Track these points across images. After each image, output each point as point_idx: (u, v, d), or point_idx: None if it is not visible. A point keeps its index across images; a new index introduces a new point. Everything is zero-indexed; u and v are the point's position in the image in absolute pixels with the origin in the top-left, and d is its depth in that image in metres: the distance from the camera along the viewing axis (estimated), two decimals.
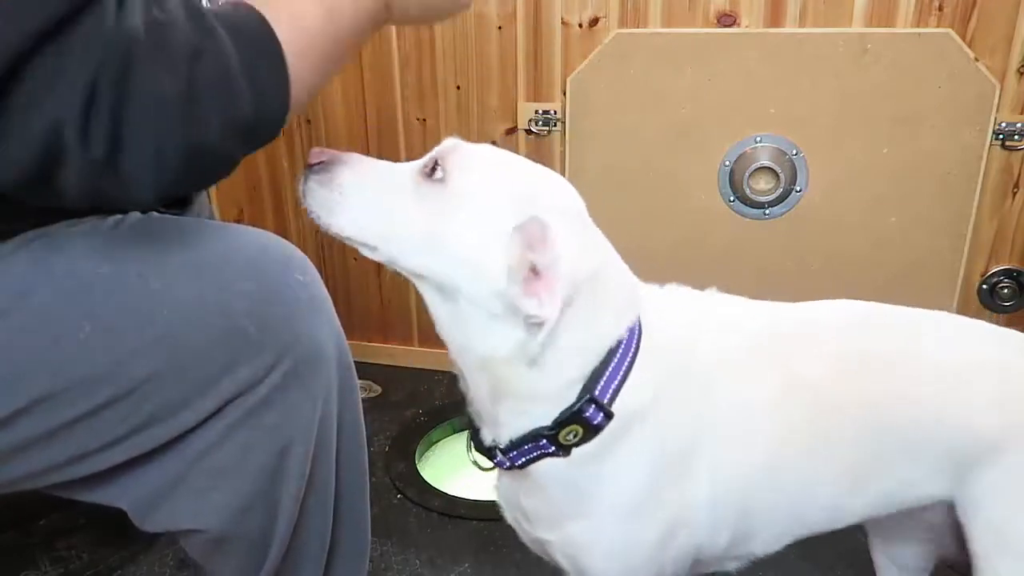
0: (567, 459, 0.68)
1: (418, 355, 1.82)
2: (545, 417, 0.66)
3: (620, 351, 0.67)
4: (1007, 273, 1.44)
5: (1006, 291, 1.44)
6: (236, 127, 0.56)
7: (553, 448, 0.67)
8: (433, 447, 1.58)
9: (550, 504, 0.72)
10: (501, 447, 0.69)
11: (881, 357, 0.75)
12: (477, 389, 0.70)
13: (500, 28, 1.50)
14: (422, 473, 1.44)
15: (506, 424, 0.68)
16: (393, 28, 1.55)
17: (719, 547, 0.75)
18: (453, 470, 1.52)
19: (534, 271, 0.60)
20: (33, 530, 1.24)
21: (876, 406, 0.72)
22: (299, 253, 0.73)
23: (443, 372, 1.80)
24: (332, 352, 0.72)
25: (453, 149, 0.67)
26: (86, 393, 0.63)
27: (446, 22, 0.75)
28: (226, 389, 0.66)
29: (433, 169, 0.65)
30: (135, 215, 0.70)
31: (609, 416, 0.66)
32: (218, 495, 0.70)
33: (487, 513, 1.31)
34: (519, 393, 0.67)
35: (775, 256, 1.49)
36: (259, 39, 0.58)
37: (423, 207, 0.64)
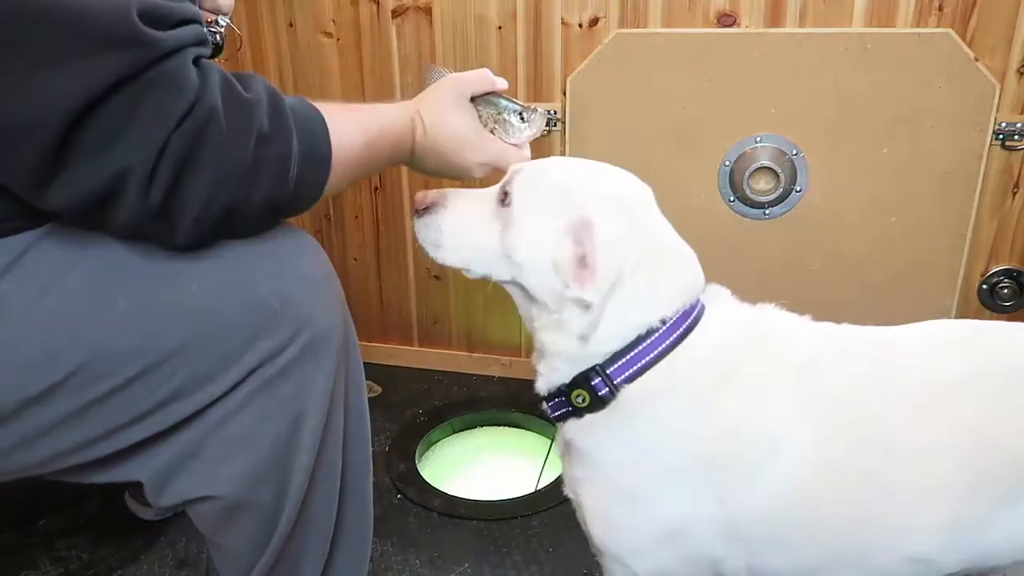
0: (579, 422, 0.76)
1: (418, 355, 1.82)
2: (567, 376, 0.76)
3: (653, 338, 0.72)
4: (1007, 273, 1.44)
5: (1006, 291, 1.44)
6: (273, 204, 0.67)
7: (570, 408, 0.76)
8: (433, 447, 1.58)
9: (571, 464, 0.81)
10: (543, 395, 0.80)
11: (995, 374, 0.69)
12: (533, 343, 0.81)
13: (500, 28, 1.50)
14: (422, 473, 1.44)
15: (542, 375, 0.79)
16: (392, 29, 1.55)
17: (743, 572, 0.73)
18: (453, 470, 1.52)
19: (583, 262, 0.70)
20: (33, 530, 1.24)
21: (987, 434, 0.66)
22: (308, 235, 0.76)
23: (443, 372, 1.80)
24: (341, 331, 0.75)
25: (517, 173, 0.79)
26: (119, 366, 0.65)
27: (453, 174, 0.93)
28: (249, 362, 0.69)
29: (504, 195, 0.78)
30: None
31: (613, 391, 0.73)
32: (234, 463, 0.72)
33: (487, 513, 1.32)
34: (552, 352, 0.77)
35: (775, 256, 1.49)
36: (318, 143, 0.70)
37: (498, 231, 0.77)
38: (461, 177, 0.92)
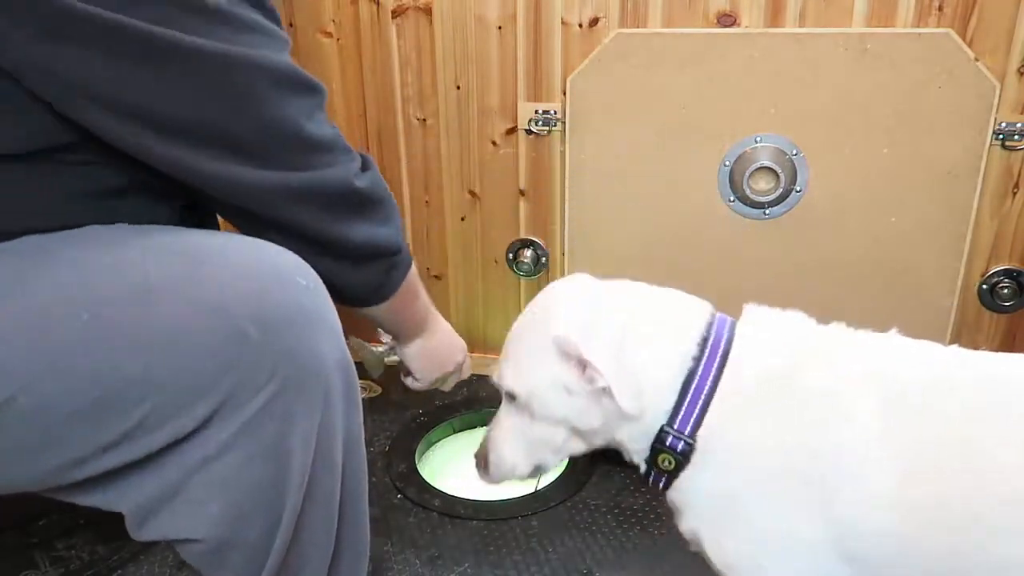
0: (676, 483, 0.77)
1: None
2: (647, 449, 0.78)
3: (697, 380, 0.74)
4: (1007, 273, 1.44)
5: (1006, 291, 1.44)
6: (356, 292, 0.86)
7: (665, 476, 0.77)
8: (433, 447, 1.58)
9: (681, 521, 0.80)
10: (643, 473, 0.81)
11: None
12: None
13: (500, 28, 1.50)
14: (422, 473, 1.44)
15: (630, 454, 0.81)
16: (393, 28, 1.55)
17: None
18: (453, 470, 1.52)
19: (581, 366, 0.74)
20: (33, 530, 1.24)
21: None
22: (301, 260, 0.72)
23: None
24: (333, 361, 0.71)
25: (493, 377, 0.83)
26: (78, 388, 0.61)
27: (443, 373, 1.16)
28: (223, 392, 0.64)
29: (505, 392, 0.82)
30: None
31: (689, 443, 0.74)
32: (216, 506, 0.69)
33: (487, 513, 1.32)
34: (627, 444, 0.80)
35: (775, 256, 1.49)
36: (408, 277, 0.91)
37: (524, 422, 0.81)
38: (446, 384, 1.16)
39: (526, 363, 0.79)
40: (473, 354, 1.80)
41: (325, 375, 0.70)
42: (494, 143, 1.59)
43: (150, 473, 0.67)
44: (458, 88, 1.57)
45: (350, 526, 0.82)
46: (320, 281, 0.72)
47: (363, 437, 0.81)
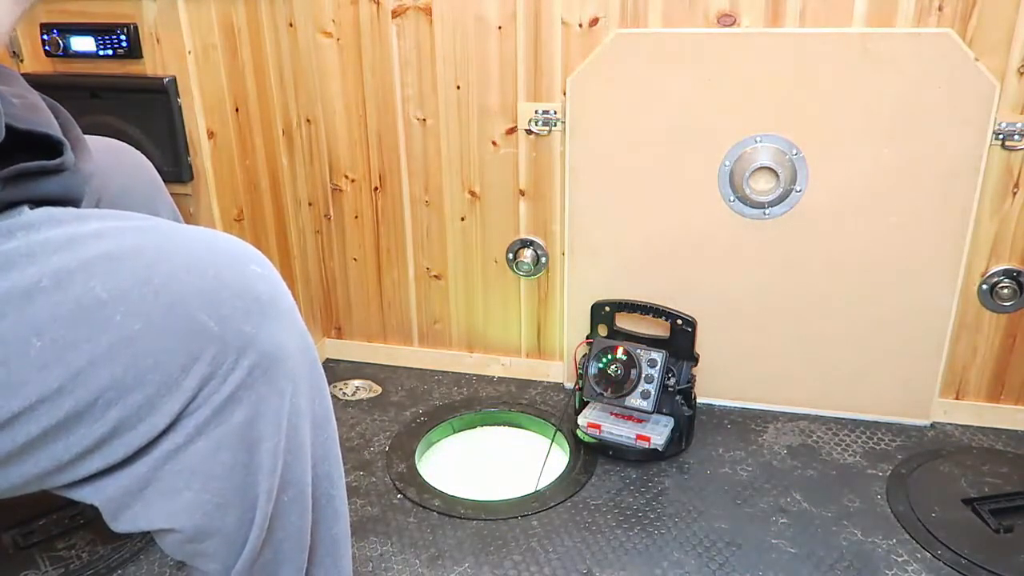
0: None
1: (418, 355, 1.82)
2: None
3: None
4: (1007, 273, 1.44)
5: (1006, 291, 1.44)
6: None
7: None
8: (433, 447, 1.58)
9: None
10: None
11: None
12: None
13: (500, 28, 1.50)
14: (422, 473, 1.44)
15: None
16: (392, 29, 1.55)
17: None
18: (453, 470, 1.53)
19: None
20: (33, 530, 1.24)
21: None
22: (253, 248, 0.72)
23: (443, 372, 1.80)
24: (295, 345, 0.71)
25: None
26: (48, 409, 0.62)
27: None
28: (190, 387, 0.65)
29: None
30: (73, 224, 0.67)
31: None
32: (190, 495, 0.69)
33: (487, 513, 1.32)
34: None
35: (775, 256, 1.49)
36: None
37: None
38: None
39: None
40: (473, 354, 1.82)
41: (288, 360, 0.70)
42: (494, 143, 1.59)
43: (121, 466, 0.68)
44: (458, 88, 1.57)
45: (325, 510, 0.82)
46: (273, 267, 0.72)
47: (333, 421, 0.81)
